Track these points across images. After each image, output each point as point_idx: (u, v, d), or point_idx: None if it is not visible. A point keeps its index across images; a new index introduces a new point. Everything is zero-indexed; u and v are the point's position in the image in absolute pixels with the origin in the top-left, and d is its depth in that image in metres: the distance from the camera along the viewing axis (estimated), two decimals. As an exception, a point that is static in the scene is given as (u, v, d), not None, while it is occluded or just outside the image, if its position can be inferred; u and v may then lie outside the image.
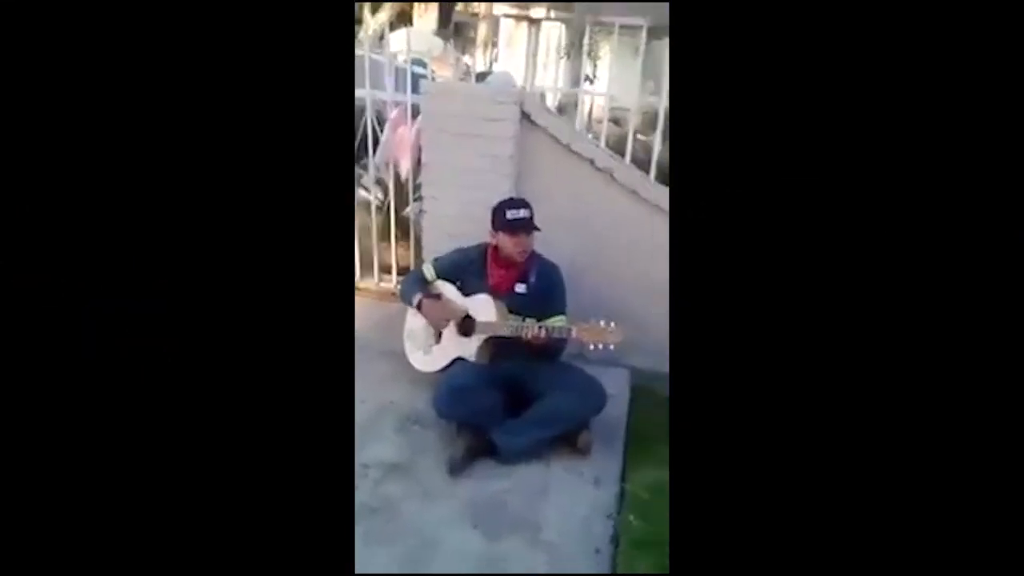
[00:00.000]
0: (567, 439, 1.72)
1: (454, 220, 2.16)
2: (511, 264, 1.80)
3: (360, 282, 2.85)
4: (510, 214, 1.74)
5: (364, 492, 1.55)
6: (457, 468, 1.63)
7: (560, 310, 1.79)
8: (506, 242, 1.76)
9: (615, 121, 2.55)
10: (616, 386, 2.00)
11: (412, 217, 2.67)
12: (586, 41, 2.93)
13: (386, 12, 6.14)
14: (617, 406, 1.97)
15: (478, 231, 1.93)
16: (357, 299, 2.76)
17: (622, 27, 2.51)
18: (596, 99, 3.40)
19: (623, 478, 1.72)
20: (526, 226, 1.76)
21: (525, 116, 2.09)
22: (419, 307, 1.84)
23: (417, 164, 2.55)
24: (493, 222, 1.77)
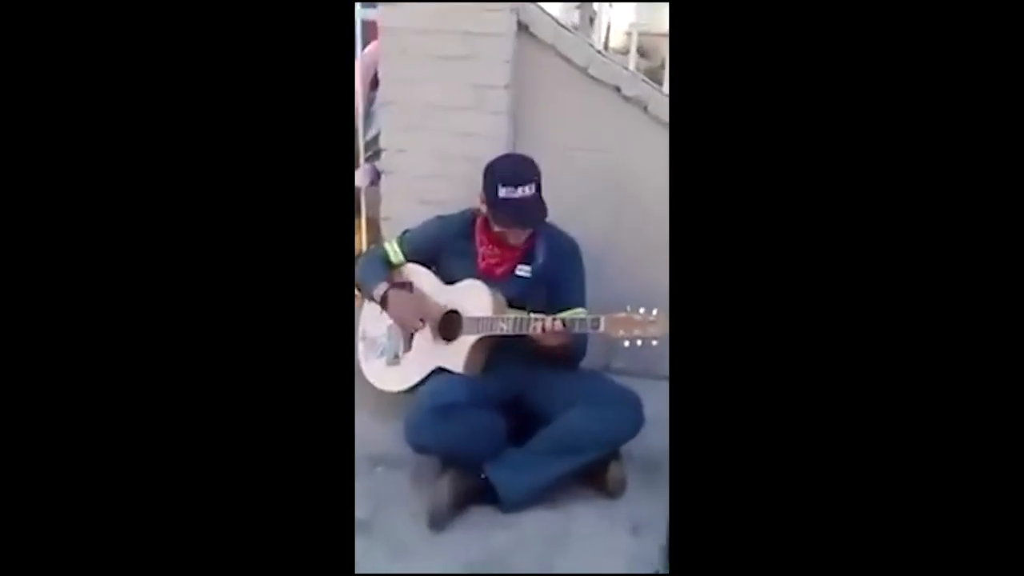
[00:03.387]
0: (592, 475, 1.47)
1: (427, 180, 1.83)
2: (508, 243, 1.53)
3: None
4: (505, 192, 1.42)
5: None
6: (442, 519, 1.39)
7: (578, 300, 1.51)
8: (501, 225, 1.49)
9: (641, 51, 2.14)
10: (655, 404, 1.64)
11: (363, 184, 2.13)
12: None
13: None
14: (657, 429, 1.65)
15: (461, 193, 1.62)
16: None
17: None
18: (613, 21, 2.87)
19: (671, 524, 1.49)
20: (529, 210, 1.44)
21: (523, 28, 1.74)
22: (383, 302, 1.55)
23: (369, 106, 2.12)
24: (484, 189, 1.48)
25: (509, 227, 1.45)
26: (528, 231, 1.48)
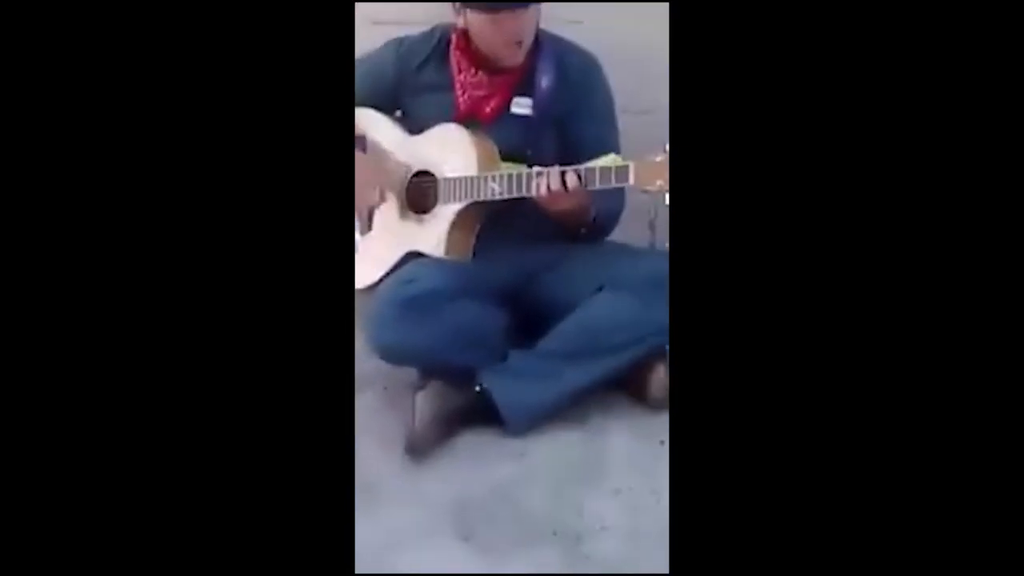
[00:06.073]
0: (629, 381, 1.27)
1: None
2: (498, 66, 1.25)
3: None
4: None
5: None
6: (423, 447, 1.20)
7: (605, 142, 1.24)
8: (483, 28, 1.18)
9: None
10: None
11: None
12: None
13: None
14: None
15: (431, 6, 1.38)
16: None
17: None
18: None
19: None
20: None
21: None
22: None
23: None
24: None
25: (496, 12, 1.12)
26: (525, 34, 1.15)
